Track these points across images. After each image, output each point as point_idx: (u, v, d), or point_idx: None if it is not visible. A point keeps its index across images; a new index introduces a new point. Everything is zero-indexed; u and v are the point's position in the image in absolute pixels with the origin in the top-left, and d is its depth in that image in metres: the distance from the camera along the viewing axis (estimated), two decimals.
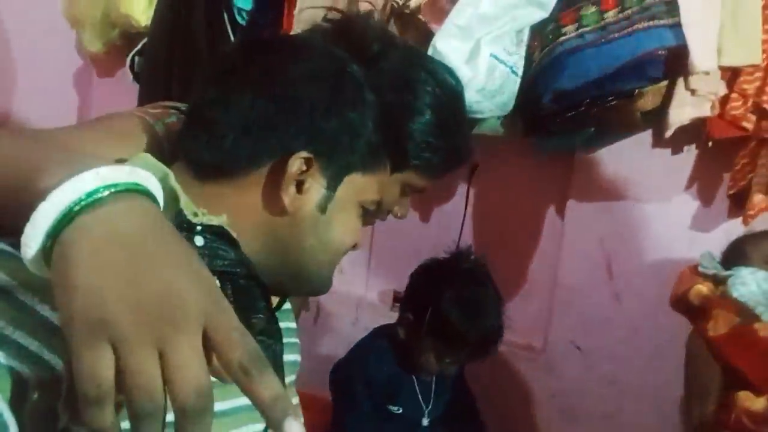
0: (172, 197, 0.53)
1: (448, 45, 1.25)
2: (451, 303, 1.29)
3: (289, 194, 0.58)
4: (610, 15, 1.29)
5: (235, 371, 0.36)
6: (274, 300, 0.66)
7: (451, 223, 1.82)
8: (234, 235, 0.56)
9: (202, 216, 0.54)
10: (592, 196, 1.59)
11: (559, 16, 1.34)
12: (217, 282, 0.55)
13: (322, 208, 0.60)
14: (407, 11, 1.41)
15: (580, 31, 1.31)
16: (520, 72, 1.37)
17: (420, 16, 1.39)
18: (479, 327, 1.29)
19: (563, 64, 1.32)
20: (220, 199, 0.59)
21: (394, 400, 1.40)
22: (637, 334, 1.54)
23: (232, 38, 1.73)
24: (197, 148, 0.59)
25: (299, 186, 0.58)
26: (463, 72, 1.25)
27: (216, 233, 0.55)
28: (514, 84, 1.36)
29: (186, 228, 0.53)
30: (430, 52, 1.28)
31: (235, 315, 0.38)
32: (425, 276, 1.42)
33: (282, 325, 0.69)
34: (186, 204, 0.54)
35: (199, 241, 0.53)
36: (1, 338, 0.40)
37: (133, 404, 0.34)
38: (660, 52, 1.24)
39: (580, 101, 1.36)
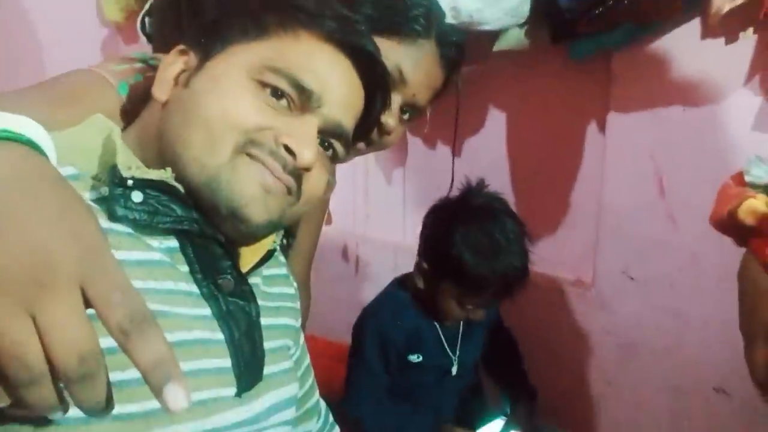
0: (113, 154, 0.53)
1: None
2: (463, 243, 1.17)
3: (160, 87, 0.57)
4: None
5: (115, 333, 0.34)
6: (252, 259, 0.62)
7: (487, 157, 1.67)
8: (180, 188, 0.54)
9: (136, 170, 0.52)
10: (635, 104, 1.38)
11: None
12: (176, 242, 0.55)
13: (187, 84, 0.57)
14: None
15: None
16: None
17: None
18: (496, 266, 1.16)
19: None
20: (143, 140, 0.58)
21: (414, 350, 1.31)
22: (698, 259, 1.35)
23: None
24: None
25: (178, 81, 0.58)
26: None
27: (158, 188, 0.52)
28: None
29: (118, 183, 0.51)
30: None
31: (122, 273, 0.36)
32: (436, 217, 1.30)
33: (275, 290, 0.69)
34: (124, 159, 0.52)
35: (137, 196, 0.51)
36: None
37: (8, 374, 0.33)
38: None
39: None
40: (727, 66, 1.23)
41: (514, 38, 1.44)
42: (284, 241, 0.71)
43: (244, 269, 0.61)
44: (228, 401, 0.56)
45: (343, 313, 1.59)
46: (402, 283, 1.39)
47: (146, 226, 0.53)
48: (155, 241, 0.54)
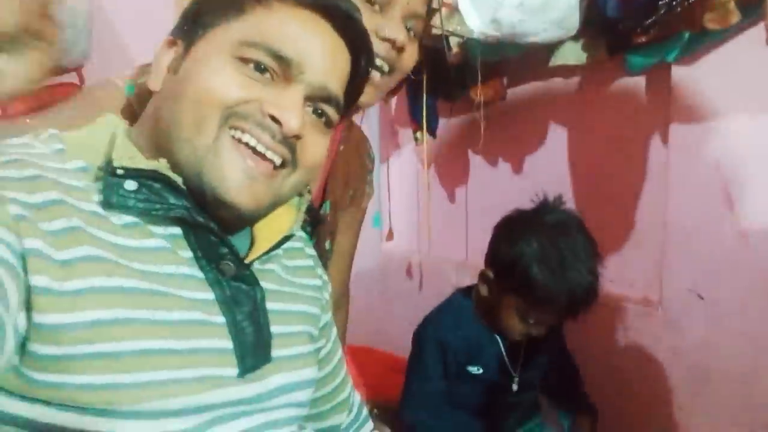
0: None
1: None
2: (533, 257, 1.15)
3: (154, 77, 0.60)
4: None
5: None
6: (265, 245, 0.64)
7: (548, 174, 1.66)
8: (174, 177, 0.55)
9: (127, 160, 0.55)
10: (698, 115, 1.33)
11: None
12: (179, 229, 0.58)
13: (175, 70, 0.59)
14: None
15: None
16: None
17: None
18: (565, 284, 1.13)
19: None
20: (145, 134, 0.61)
21: (474, 361, 1.31)
22: None
23: None
24: None
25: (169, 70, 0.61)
26: None
27: (151, 177, 0.55)
28: None
29: (109, 172, 0.54)
30: None
31: None
32: (507, 228, 1.29)
33: (297, 279, 0.71)
34: (120, 151, 0.55)
35: (130, 185, 0.54)
36: None
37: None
38: None
39: (653, 2, 1.14)
40: None
41: (571, 52, 1.44)
42: (308, 230, 0.75)
43: (257, 254, 0.63)
44: (230, 380, 0.57)
45: (406, 328, 1.62)
46: (465, 293, 1.38)
47: (146, 213, 0.55)
48: (160, 228, 0.57)
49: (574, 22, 1.24)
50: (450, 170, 1.88)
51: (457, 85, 1.61)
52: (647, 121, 1.44)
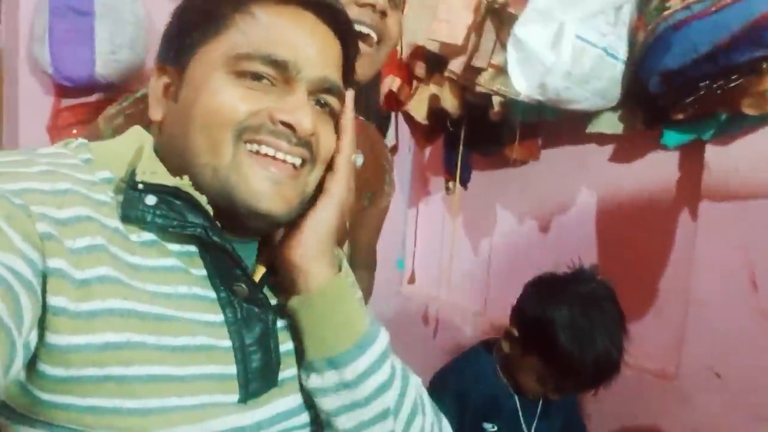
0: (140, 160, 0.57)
1: (528, 31, 1.19)
2: (562, 324, 1.16)
3: (153, 107, 0.60)
4: None
5: None
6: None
7: (574, 236, 1.69)
8: (196, 195, 0.55)
9: (149, 175, 0.55)
10: (729, 194, 1.36)
11: None
12: (195, 247, 0.57)
13: (175, 98, 0.59)
14: (497, 6, 1.37)
15: (686, 2, 1.16)
16: (620, 55, 1.24)
17: (510, 10, 1.34)
18: (590, 358, 1.14)
19: (668, 41, 1.17)
20: (164, 153, 0.60)
21: (490, 418, 1.30)
22: None
23: None
24: None
25: (166, 97, 0.60)
26: (546, 57, 1.18)
27: (172, 194, 0.55)
28: (613, 68, 1.24)
29: (131, 186, 0.54)
30: (510, 41, 1.23)
31: None
32: (539, 289, 1.29)
33: None
34: (145, 165, 0.56)
35: (150, 200, 0.54)
36: None
37: None
38: None
39: (694, 81, 1.19)
40: None
41: (608, 121, 1.48)
42: None
43: (262, 271, 0.62)
44: (230, 407, 0.56)
45: (416, 373, 1.63)
46: (487, 347, 1.38)
47: (162, 230, 0.55)
48: (176, 246, 0.57)
49: (615, 93, 1.29)
50: (477, 222, 1.92)
51: (494, 141, 1.67)
52: (677, 196, 1.47)
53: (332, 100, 0.62)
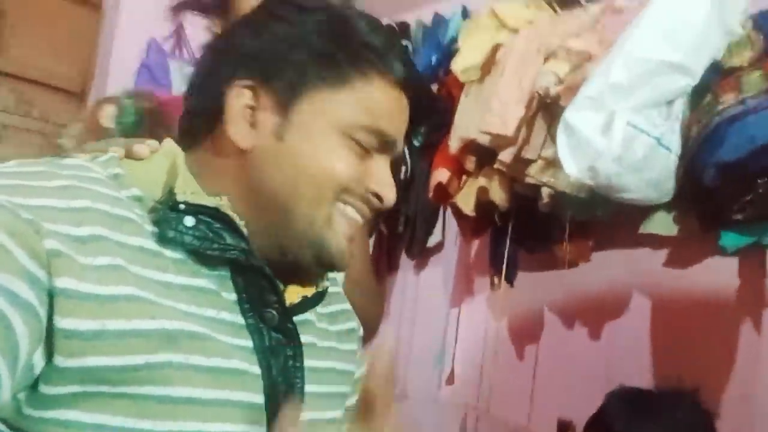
0: (175, 178, 0.56)
1: (578, 116, 1.21)
2: None
3: (238, 130, 0.57)
4: None
5: None
6: (296, 294, 0.62)
7: (626, 345, 1.59)
8: (234, 217, 0.55)
9: (190, 195, 0.54)
10: None
11: (716, 87, 1.22)
12: (227, 270, 0.56)
13: (279, 136, 0.57)
14: (549, 101, 1.41)
15: (741, 97, 1.17)
16: (674, 147, 1.24)
17: (561, 103, 1.37)
18: None
19: (723, 135, 1.17)
20: (208, 171, 0.58)
21: None
22: None
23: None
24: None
25: (253, 122, 0.57)
26: (597, 142, 1.19)
27: (211, 215, 0.54)
28: (666, 159, 1.23)
29: (170, 207, 0.53)
30: (560, 127, 1.25)
31: None
32: (628, 404, 1.22)
33: (335, 327, 0.68)
34: (181, 184, 0.55)
35: (189, 221, 0.53)
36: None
37: None
38: None
39: (752, 176, 1.17)
40: None
41: (662, 222, 1.45)
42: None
43: (291, 302, 0.61)
44: None
45: None
46: None
47: (196, 252, 0.54)
48: (206, 268, 0.55)
49: (669, 186, 1.27)
50: (522, 325, 1.84)
51: (542, 238, 1.64)
52: (738, 305, 1.39)
53: None
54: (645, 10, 1.19)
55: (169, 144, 0.60)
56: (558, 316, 1.76)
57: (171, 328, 0.50)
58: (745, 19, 1.22)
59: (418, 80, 0.66)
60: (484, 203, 1.63)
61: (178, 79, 1.99)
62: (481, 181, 1.60)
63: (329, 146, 0.57)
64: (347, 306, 0.73)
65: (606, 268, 1.66)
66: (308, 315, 0.63)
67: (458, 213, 1.73)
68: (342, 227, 0.59)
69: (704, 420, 1.14)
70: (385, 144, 0.60)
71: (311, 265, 0.59)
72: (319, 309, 0.65)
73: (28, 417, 0.47)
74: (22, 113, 1.96)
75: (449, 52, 1.79)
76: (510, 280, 1.71)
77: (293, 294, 0.61)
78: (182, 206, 0.53)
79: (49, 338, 0.46)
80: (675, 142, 1.23)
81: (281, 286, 0.60)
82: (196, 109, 0.61)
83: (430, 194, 1.74)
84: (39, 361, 0.46)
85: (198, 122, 0.60)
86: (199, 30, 2.09)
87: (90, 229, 0.48)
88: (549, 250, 1.65)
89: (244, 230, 0.56)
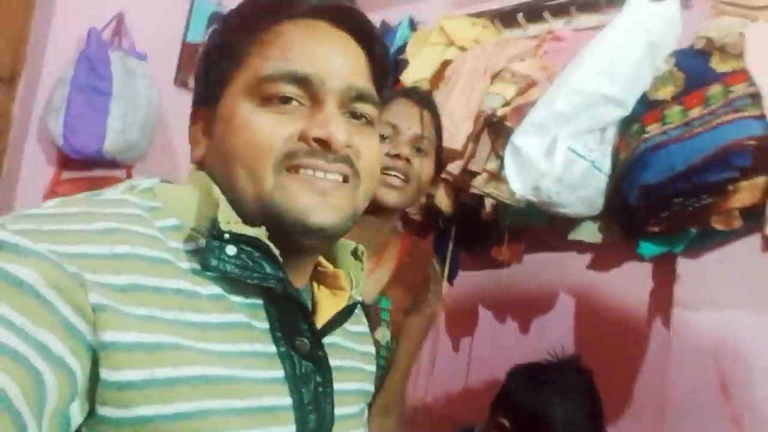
0: (213, 206, 0.55)
1: (525, 140, 1.33)
2: (560, 419, 1.22)
3: (192, 150, 0.62)
4: (695, 112, 1.30)
5: None
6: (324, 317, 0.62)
7: (553, 339, 1.75)
8: (272, 247, 0.54)
9: (234, 225, 0.54)
10: (700, 304, 1.47)
11: (643, 117, 1.37)
12: (260, 299, 0.56)
13: (208, 135, 0.60)
14: (495, 120, 1.53)
15: (663, 128, 1.33)
16: (605, 169, 1.39)
17: (507, 123, 1.49)
18: None
19: (647, 160, 1.33)
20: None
21: None
22: None
23: None
24: None
25: (196, 138, 0.62)
26: (540, 164, 1.31)
27: (252, 245, 0.54)
28: (599, 180, 1.38)
29: (215, 236, 0.53)
30: (508, 149, 1.36)
31: None
32: (527, 379, 1.34)
33: (359, 348, 0.69)
34: (223, 213, 0.54)
35: (231, 250, 0.53)
36: (26, 336, 0.43)
37: None
38: (747, 142, 1.21)
39: (669, 197, 1.34)
40: None
41: (589, 230, 1.61)
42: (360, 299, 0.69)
43: (322, 322, 0.61)
44: None
45: None
46: None
47: (235, 281, 0.54)
48: (241, 298, 0.55)
49: (599, 203, 1.43)
50: (459, 320, 1.97)
51: (482, 241, 1.77)
52: (652, 304, 1.58)
53: (367, 108, 0.60)
54: (587, 47, 1.32)
55: (202, 176, 0.60)
56: (492, 311, 1.91)
57: (210, 373, 0.51)
58: (668, 56, 1.38)
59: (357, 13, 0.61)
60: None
61: (120, 71, 1.91)
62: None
63: (242, 119, 0.56)
64: (366, 328, 0.74)
65: (537, 270, 1.82)
66: (336, 337, 0.64)
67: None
68: (300, 185, 0.55)
69: (586, 379, 1.30)
70: (309, 85, 0.56)
71: (294, 237, 0.56)
72: (347, 326, 0.66)
73: None
74: None
75: (395, 61, 1.87)
76: (451, 279, 1.83)
77: (325, 311, 0.62)
78: (227, 236, 0.52)
79: (93, 391, 0.46)
80: (606, 165, 1.38)
81: (310, 303, 0.62)
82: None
83: None
84: (77, 414, 0.46)
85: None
86: (140, 17, 2.05)
87: (128, 277, 0.49)
88: (487, 251, 1.79)
89: (281, 259, 0.55)
